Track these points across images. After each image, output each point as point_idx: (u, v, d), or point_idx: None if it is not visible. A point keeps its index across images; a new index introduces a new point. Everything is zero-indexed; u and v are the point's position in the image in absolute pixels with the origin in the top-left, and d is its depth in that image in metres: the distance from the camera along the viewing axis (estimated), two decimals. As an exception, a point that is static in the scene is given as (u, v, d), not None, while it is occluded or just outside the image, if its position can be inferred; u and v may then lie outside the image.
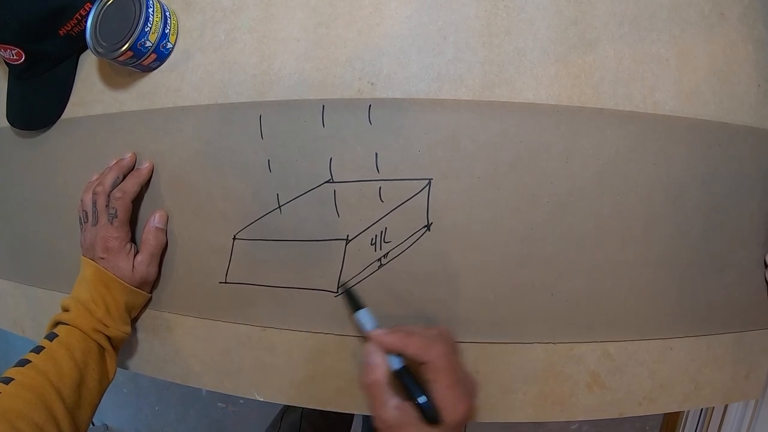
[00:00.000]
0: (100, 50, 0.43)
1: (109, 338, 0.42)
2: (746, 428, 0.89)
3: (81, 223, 0.46)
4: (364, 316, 0.38)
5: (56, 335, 0.40)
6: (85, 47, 0.49)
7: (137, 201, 0.46)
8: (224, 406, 1.44)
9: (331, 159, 0.41)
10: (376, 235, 0.41)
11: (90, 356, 0.40)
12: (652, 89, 0.40)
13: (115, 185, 0.44)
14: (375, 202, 0.41)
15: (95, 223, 0.44)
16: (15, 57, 0.47)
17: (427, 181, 0.40)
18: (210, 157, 0.44)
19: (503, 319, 0.41)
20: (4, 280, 0.58)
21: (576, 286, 0.41)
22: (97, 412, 0.41)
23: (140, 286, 0.45)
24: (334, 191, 0.42)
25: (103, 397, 0.42)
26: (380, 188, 0.41)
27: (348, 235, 0.42)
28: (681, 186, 0.40)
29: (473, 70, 0.40)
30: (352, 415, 0.84)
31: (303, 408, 0.72)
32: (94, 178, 0.46)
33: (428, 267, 0.41)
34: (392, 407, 0.33)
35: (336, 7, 0.42)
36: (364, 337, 0.40)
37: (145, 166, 0.46)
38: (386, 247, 0.41)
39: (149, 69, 0.46)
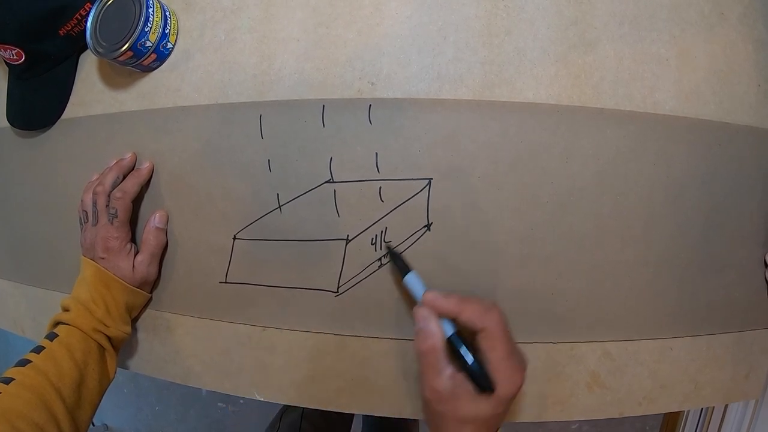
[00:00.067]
0: (100, 50, 0.43)
1: (109, 338, 0.42)
2: (746, 428, 0.89)
3: (81, 223, 0.46)
4: (413, 280, 0.37)
5: (56, 335, 0.40)
6: (85, 47, 0.49)
7: (137, 201, 0.46)
8: (224, 406, 1.44)
9: (331, 159, 0.41)
10: (376, 235, 0.41)
11: (90, 356, 0.40)
12: (652, 89, 0.40)
13: (115, 185, 0.44)
14: (375, 202, 0.41)
15: (95, 223, 0.44)
16: (15, 57, 0.47)
17: (427, 181, 0.40)
18: (210, 157, 0.44)
19: (503, 319, 0.41)
20: (4, 280, 0.58)
21: (576, 286, 0.41)
22: (97, 412, 0.41)
23: (140, 286, 0.45)
24: (334, 191, 0.42)
25: (103, 397, 0.42)
26: (380, 188, 0.41)
27: (348, 235, 0.42)
28: (681, 186, 0.40)
29: (473, 70, 0.40)
30: (352, 415, 0.84)
31: (303, 408, 0.72)
32: (94, 178, 0.46)
33: (428, 267, 0.41)
34: (447, 377, 0.32)
35: (336, 7, 0.42)
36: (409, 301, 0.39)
37: (145, 166, 0.46)
38: (386, 247, 0.41)
39: (149, 69, 0.46)
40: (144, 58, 0.44)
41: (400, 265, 0.38)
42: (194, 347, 0.47)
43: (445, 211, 0.40)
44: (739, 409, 0.92)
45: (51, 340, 0.39)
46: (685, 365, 0.43)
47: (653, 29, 0.40)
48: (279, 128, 0.42)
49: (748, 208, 0.42)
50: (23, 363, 0.37)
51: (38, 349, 0.38)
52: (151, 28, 0.43)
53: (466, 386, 0.32)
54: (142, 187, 0.46)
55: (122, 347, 0.46)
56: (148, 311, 0.48)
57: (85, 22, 0.44)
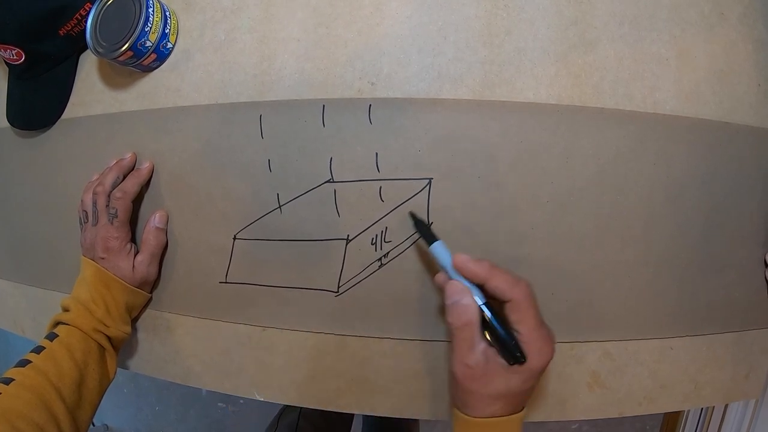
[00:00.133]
0: (100, 50, 0.43)
1: (109, 338, 0.42)
2: (746, 428, 0.89)
3: (81, 223, 0.46)
4: (440, 249, 0.35)
5: (56, 335, 0.40)
6: (85, 47, 0.49)
7: (137, 201, 0.46)
8: (224, 406, 1.44)
9: (331, 159, 0.41)
10: (376, 235, 0.41)
11: (90, 356, 0.40)
12: (652, 89, 0.40)
13: (115, 185, 0.44)
14: (375, 201, 0.41)
15: (95, 223, 0.44)
16: (15, 57, 0.47)
17: (428, 180, 0.40)
18: (210, 157, 0.44)
19: (503, 319, 0.41)
20: (4, 280, 0.58)
21: (576, 286, 0.41)
22: (97, 412, 0.41)
23: (140, 286, 0.45)
24: (335, 191, 0.42)
25: (104, 397, 0.42)
26: (380, 188, 0.41)
27: (348, 235, 0.42)
28: (681, 186, 0.40)
29: (473, 70, 0.40)
30: (352, 414, 0.84)
31: (302, 408, 0.72)
32: (94, 178, 0.46)
33: (429, 267, 0.41)
34: (479, 351, 0.31)
35: (336, 7, 0.42)
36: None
37: (145, 166, 0.46)
38: (387, 247, 0.41)
39: (149, 69, 0.46)
40: (144, 58, 0.44)
41: (426, 234, 0.36)
42: (194, 347, 0.47)
43: (445, 211, 0.40)
44: (739, 409, 0.92)
45: (51, 340, 0.39)
46: (685, 365, 0.43)
47: (653, 29, 0.40)
48: (279, 128, 0.42)
49: (748, 208, 0.42)
50: (23, 363, 0.37)
51: (38, 350, 0.38)
52: (151, 28, 0.43)
53: (498, 361, 0.31)
54: (142, 187, 0.46)
55: (122, 347, 0.46)
56: (148, 311, 0.48)
57: (85, 22, 0.44)
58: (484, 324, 0.32)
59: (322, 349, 0.44)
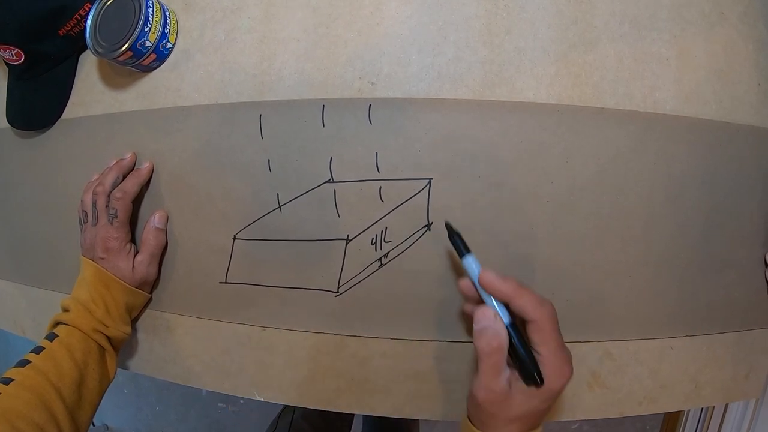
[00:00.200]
0: (99, 50, 0.43)
1: (109, 338, 0.42)
2: (746, 428, 0.89)
3: (81, 224, 0.46)
4: (470, 262, 0.34)
5: (56, 335, 0.40)
6: (85, 47, 0.49)
7: (137, 201, 0.46)
8: (224, 406, 1.44)
9: (331, 159, 0.41)
10: (376, 235, 0.41)
11: (90, 356, 0.40)
12: (652, 88, 0.40)
13: (115, 185, 0.44)
14: (375, 201, 0.41)
15: (95, 223, 0.44)
16: (15, 57, 0.47)
17: (428, 180, 0.40)
18: (210, 157, 0.44)
19: (503, 319, 0.41)
20: (4, 280, 0.58)
21: (576, 286, 0.41)
22: (97, 412, 0.41)
23: (140, 286, 0.45)
24: (335, 191, 0.42)
25: (104, 397, 0.42)
26: (380, 188, 0.41)
27: (348, 235, 0.42)
28: (681, 186, 0.40)
29: (473, 70, 0.40)
30: (352, 414, 0.84)
31: (302, 408, 0.72)
32: (94, 178, 0.46)
33: (429, 267, 0.41)
34: (505, 378, 0.31)
35: (336, 7, 0.42)
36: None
37: (145, 166, 0.46)
38: (387, 247, 0.41)
39: (149, 69, 0.46)
40: (144, 58, 0.44)
41: (458, 246, 0.36)
42: (194, 347, 0.47)
43: (445, 211, 0.40)
44: (739, 408, 0.92)
45: (51, 341, 0.39)
46: (685, 365, 0.43)
47: (653, 29, 0.40)
48: (279, 128, 0.42)
49: (748, 208, 0.42)
50: (23, 363, 0.37)
51: (38, 350, 0.38)
52: (150, 28, 0.43)
53: (519, 384, 0.31)
54: (142, 187, 0.46)
55: (122, 347, 0.46)
56: (148, 311, 0.48)
57: (85, 22, 0.44)
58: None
59: (322, 349, 0.44)
